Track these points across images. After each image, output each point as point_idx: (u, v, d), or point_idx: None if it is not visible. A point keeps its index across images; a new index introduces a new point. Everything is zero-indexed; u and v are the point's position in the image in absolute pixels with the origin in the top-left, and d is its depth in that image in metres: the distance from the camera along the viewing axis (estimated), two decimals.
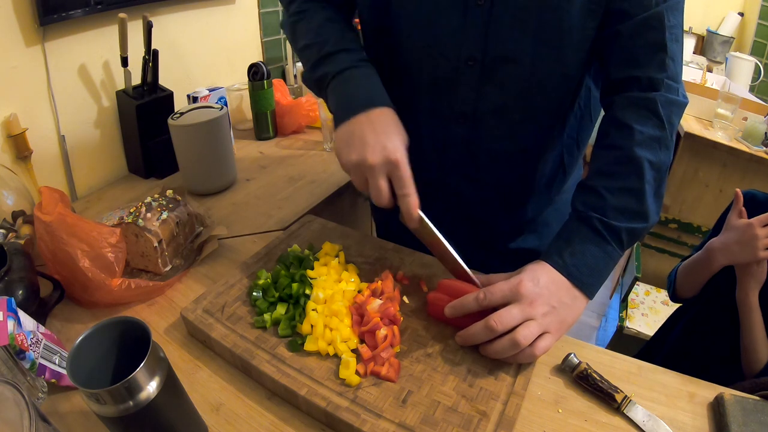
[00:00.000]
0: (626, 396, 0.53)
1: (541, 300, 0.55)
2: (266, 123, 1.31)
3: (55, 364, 0.55)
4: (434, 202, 0.79)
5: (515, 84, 0.64)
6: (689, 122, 1.72)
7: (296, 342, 0.59)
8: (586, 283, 0.57)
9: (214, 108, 1.01)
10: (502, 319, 0.54)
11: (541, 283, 0.56)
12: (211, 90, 1.24)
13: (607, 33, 0.60)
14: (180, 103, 1.13)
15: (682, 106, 0.61)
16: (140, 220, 0.74)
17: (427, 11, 0.63)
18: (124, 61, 1.04)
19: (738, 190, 0.79)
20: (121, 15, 0.98)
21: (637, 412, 0.52)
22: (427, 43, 0.65)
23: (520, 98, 0.66)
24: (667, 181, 0.61)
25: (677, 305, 1.03)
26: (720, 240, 0.82)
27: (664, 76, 0.59)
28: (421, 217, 0.60)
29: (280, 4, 1.49)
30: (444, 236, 0.62)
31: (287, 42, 1.51)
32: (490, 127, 0.69)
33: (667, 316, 1.04)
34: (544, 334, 0.55)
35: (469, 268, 0.64)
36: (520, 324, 0.54)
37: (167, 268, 0.77)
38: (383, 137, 0.58)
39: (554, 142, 0.72)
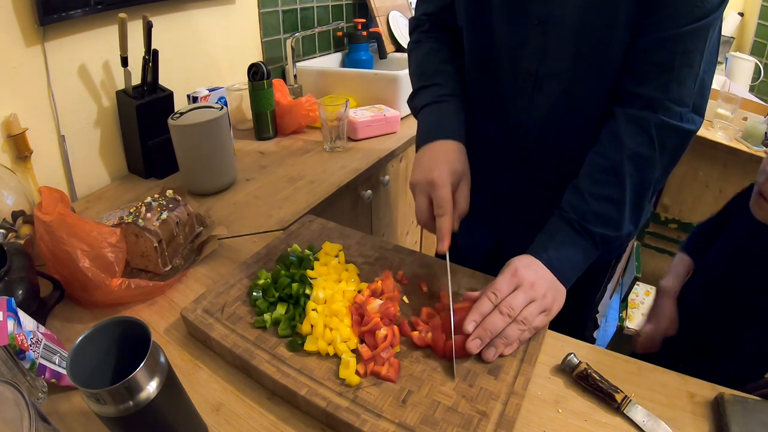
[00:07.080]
0: (626, 396, 0.53)
1: (539, 282, 0.60)
2: (266, 123, 1.31)
3: (55, 364, 0.55)
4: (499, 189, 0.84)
5: (557, 96, 0.69)
6: None
7: (296, 342, 0.59)
8: (566, 276, 0.63)
9: (214, 108, 1.01)
10: (510, 303, 0.58)
11: (533, 268, 0.61)
12: (211, 90, 1.24)
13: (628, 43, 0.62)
14: (180, 103, 1.13)
15: (680, 130, 0.62)
16: (140, 220, 0.74)
17: (495, 30, 0.70)
18: (124, 61, 1.04)
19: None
20: (121, 15, 0.98)
21: (637, 412, 0.52)
22: (492, 59, 0.73)
23: (560, 109, 0.70)
24: (649, 195, 0.66)
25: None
26: None
27: (665, 97, 0.61)
28: (448, 247, 0.64)
29: (280, 3, 1.50)
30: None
31: (287, 42, 1.52)
32: (539, 132, 0.74)
33: None
34: (541, 313, 0.59)
35: None
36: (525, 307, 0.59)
37: (167, 268, 0.77)
38: (432, 163, 0.67)
39: None
